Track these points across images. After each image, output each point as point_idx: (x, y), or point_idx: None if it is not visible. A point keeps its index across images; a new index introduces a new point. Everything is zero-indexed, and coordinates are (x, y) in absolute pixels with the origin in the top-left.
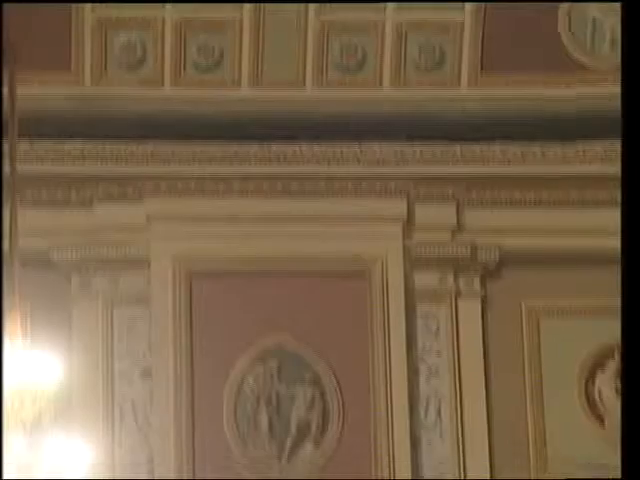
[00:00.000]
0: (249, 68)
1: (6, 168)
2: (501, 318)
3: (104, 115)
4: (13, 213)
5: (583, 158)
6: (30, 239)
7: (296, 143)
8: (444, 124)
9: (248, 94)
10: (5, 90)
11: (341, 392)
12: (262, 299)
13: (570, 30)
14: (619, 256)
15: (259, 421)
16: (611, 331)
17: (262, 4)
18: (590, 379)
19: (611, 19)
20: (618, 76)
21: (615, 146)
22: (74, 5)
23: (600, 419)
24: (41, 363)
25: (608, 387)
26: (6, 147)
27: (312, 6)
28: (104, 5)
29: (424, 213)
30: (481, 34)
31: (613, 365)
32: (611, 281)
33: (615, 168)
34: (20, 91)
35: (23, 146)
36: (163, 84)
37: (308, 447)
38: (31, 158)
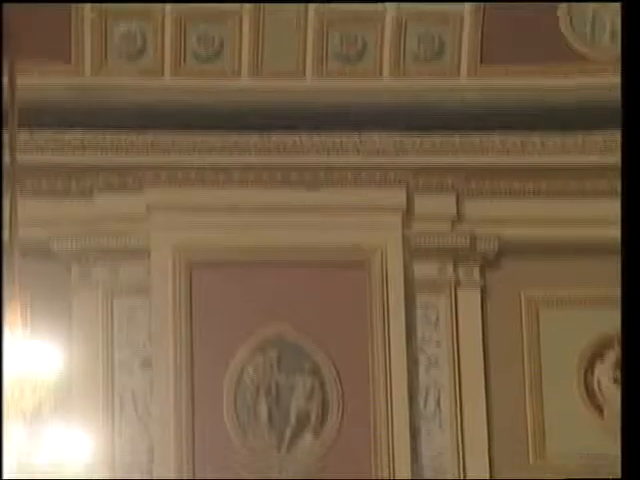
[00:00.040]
0: (249, 58)
1: (6, 158)
2: (500, 308)
3: (104, 105)
4: (13, 203)
5: (583, 148)
6: (30, 229)
7: (296, 133)
8: (443, 114)
9: (248, 84)
10: (5, 80)
11: (341, 382)
12: (262, 289)
13: (570, 21)
14: (619, 246)
15: (259, 411)
16: (610, 321)
17: None
18: (589, 369)
19: (611, 10)
20: (618, 66)
21: (615, 136)
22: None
23: (599, 409)
24: (41, 353)
25: (607, 377)
26: (6, 137)
27: None
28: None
29: (423, 203)
30: (481, 24)
31: (612, 355)
32: (611, 271)
33: (615, 158)
34: (20, 81)
35: (23, 136)
36: (163, 74)
37: (307, 437)
38: (31, 148)
